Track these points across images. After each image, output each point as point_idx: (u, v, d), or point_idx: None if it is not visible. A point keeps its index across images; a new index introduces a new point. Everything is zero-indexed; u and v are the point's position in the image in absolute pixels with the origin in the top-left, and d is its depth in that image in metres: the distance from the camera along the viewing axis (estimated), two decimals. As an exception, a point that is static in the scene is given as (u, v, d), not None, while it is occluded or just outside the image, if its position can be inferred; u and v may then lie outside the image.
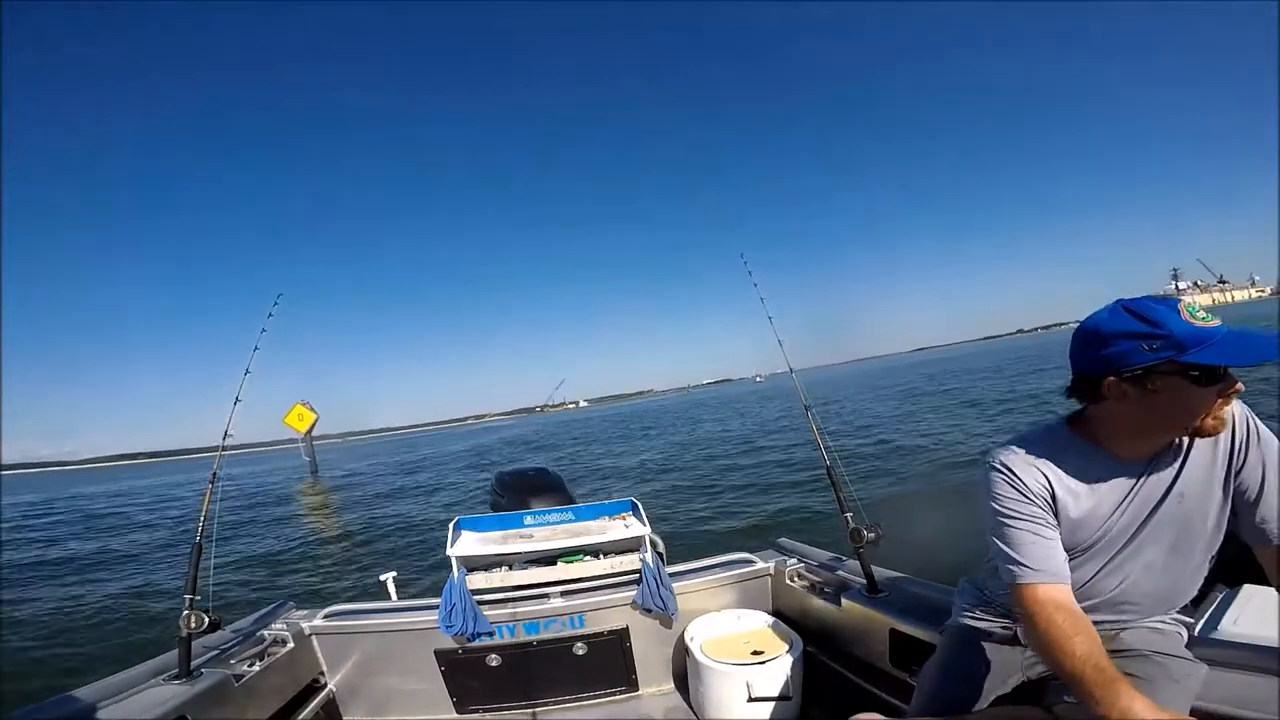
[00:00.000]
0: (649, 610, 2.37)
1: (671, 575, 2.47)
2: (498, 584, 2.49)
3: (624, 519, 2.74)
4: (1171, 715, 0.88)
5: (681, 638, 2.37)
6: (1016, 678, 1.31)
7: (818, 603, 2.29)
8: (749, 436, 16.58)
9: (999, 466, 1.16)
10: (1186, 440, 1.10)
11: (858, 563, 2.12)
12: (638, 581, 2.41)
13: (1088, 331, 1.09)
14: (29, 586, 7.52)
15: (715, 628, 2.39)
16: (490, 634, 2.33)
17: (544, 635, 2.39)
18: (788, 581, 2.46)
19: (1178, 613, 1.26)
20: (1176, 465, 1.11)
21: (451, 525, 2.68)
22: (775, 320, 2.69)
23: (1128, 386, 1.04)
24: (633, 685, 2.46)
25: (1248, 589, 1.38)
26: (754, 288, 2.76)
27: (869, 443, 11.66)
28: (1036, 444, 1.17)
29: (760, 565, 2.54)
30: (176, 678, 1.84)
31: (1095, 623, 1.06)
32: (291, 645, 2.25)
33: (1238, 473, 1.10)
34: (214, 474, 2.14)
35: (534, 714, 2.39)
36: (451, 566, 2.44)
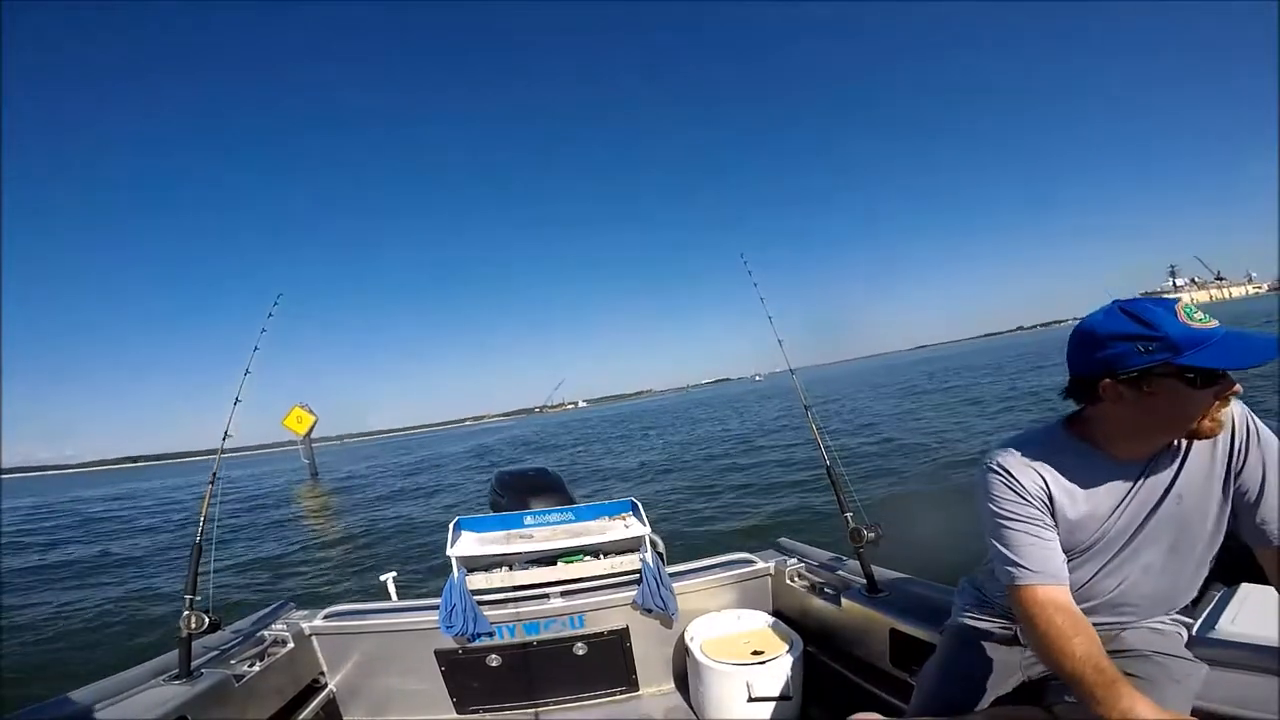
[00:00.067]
0: (649, 610, 2.37)
1: (671, 575, 2.48)
2: (498, 584, 2.49)
3: (624, 519, 2.74)
4: (1173, 715, 0.88)
5: (682, 638, 2.37)
6: (1016, 677, 1.31)
7: (818, 603, 2.29)
8: (748, 436, 16.58)
9: (996, 468, 1.16)
10: (1185, 442, 1.10)
11: (858, 563, 2.12)
12: (638, 581, 2.41)
13: (1084, 333, 1.08)
14: (29, 591, 7.50)
15: (715, 628, 2.39)
16: (490, 634, 2.33)
17: (544, 635, 2.39)
18: (788, 581, 2.46)
19: (1178, 613, 1.25)
20: (1175, 467, 1.10)
21: (451, 525, 2.68)
22: (775, 320, 2.68)
23: (1124, 389, 1.03)
24: (633, 685, 2.46)
25: (1245, 588, 1.38)
26: (754, 287, 2.76)
27: (869, 442, 11.66)
28: (1034, 445, 1.17)
29: (760, 565, 2.54)
30: (177, 678, 1.85)
31: (1094, 624, 1.06)
32: (292, 645, 2.25)
33: (1238, 474, 1.09)
34: (214, 474, 2.14)
35: (534, 714, 2.39)
36: (452, 567, 2.44)
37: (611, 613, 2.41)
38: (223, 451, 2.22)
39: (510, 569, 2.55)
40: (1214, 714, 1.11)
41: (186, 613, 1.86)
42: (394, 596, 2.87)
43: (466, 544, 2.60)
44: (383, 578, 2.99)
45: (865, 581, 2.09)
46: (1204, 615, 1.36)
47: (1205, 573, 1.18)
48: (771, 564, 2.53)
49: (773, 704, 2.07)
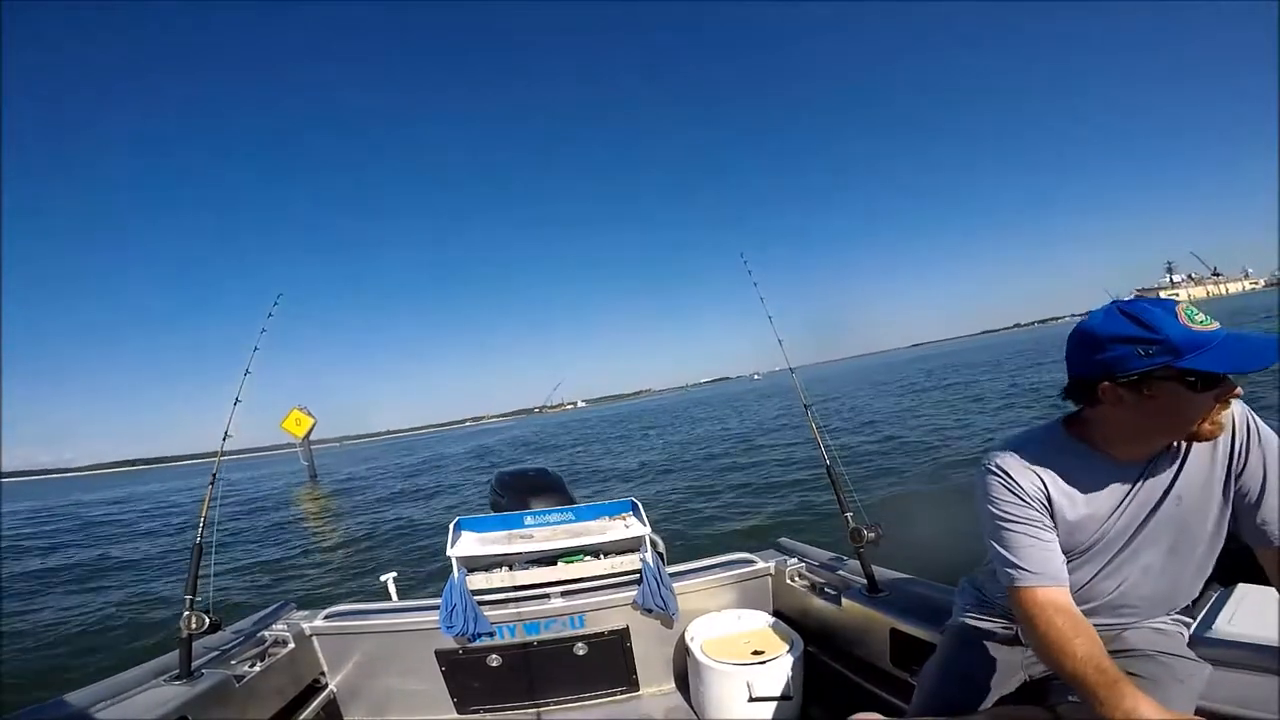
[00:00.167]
0: (649, 610, 2.37)
1: (672, 575, 2.48)
2: (498, 584, 2.49)
3: (624, 519, 2.74)
4: (1177, 715, 0.87)
5: (682, 638, 2.37)
6: (1018, 677, 1.31)
7: (818, 602, 2.29)
8: (748, 435, 16.57)
9: (994, 469, 1.15)
10: (1185, 443, 1.09)
11: (858, 562, 2.12)
12: (638, 581, 2.41)
13: (1083, 334, 1.07)
14: (29, 596, 7.49)
15: (716, 628, 2.39)
16: (491, 634, 2.33)
17: (544, 635, 2.39)
18: (788, 581, 2.46)
19: (1178, 613, 1.25)
20: (1174, 468, 1.10)
21: (452, 526, 2.68)
22: (774, 319, 2.70)
23: (1123, 391, 1.02)
24: (633, 685, 2.46)
25: (1242, 588, 1.38)
26: (754, 287, 2.77)
27: (869, 441, 11.65)
28: (1032, 446, 1.16)
29: (760, 565, 2.54)
30: (177, 678, 1.85)
31: (1095, 625, 1.06)
32: (292, 646, 2.25)
33: (1238, 475, 1.08)
34: (214, 475, 2.14)
35: (535, 714, 2.39)
36: (452, 567, 2.45)
37: (612, 613, 2.41)
38: (223, 452, 2.22)
39: (511, 569, 2.55)
40: (1216, 714, 1.11)
41: (187, 613, 1.86)
42: (395, 597, 2.87)
43: (467, 544, 2.60)
44: (383, 578, 2.99)
45: (866, 581, 2.09)
46: (1201, 615, 1.36)
47: (1206, 574, 1.18)
48: (772, 564, 2.53)
49: (773, 704, 2.07)
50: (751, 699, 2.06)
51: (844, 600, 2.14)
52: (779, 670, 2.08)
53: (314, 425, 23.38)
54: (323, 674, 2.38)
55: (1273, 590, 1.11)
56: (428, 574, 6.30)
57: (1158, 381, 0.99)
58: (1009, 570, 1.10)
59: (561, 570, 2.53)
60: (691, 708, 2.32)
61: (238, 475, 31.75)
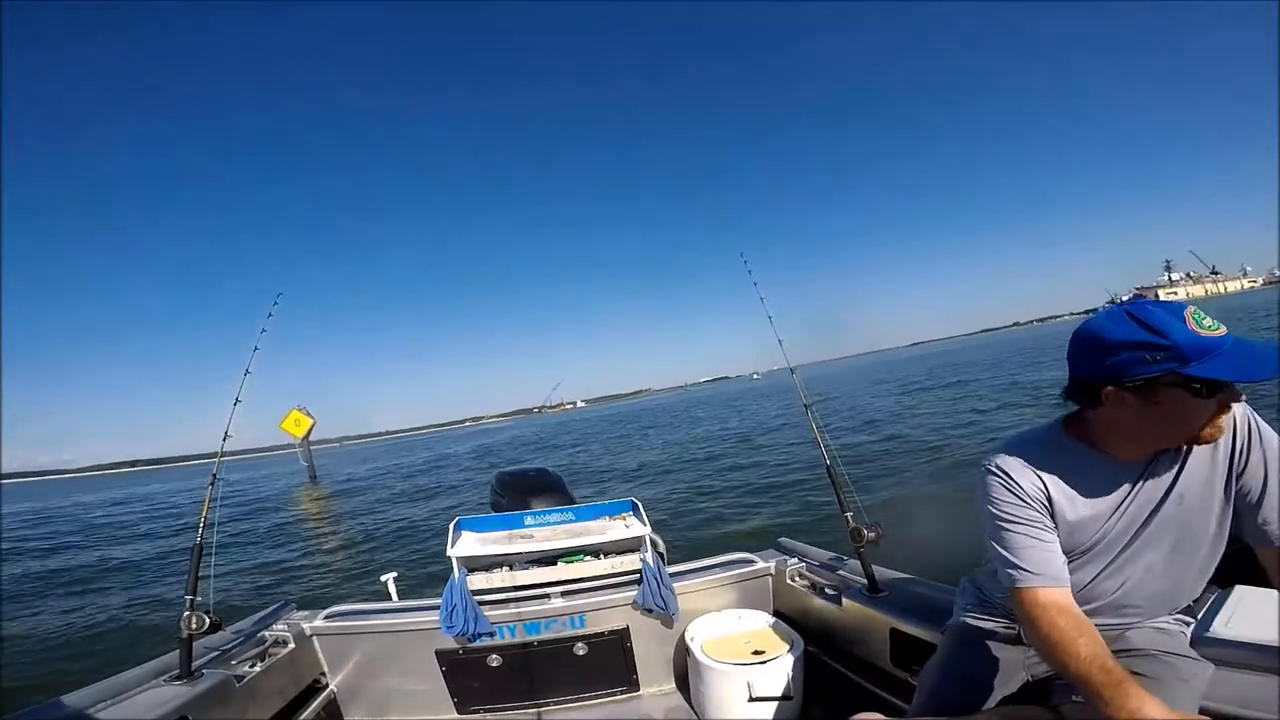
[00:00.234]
0: (650, 610, 2.37)
1: (672, 575, 2.47)
2: (498, 584, 2.49)
3: (624, 519, 2.74)
4: (1182, 715, 0.87)
5: (682, 638, 2.37)
6: (1021, 677, 1.31)
7: (818, 602, 2.28)
8: (748, 435, 16.57)
9: (994, 470, 1.15)
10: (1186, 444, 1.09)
11: (858, 562, 2.12)
12: (638, 581, 2.41)
13: (1089, 337, 1.06)
14: (29, 598, 7.48)
15: (716, 628, 2.39)
16: (491, 634, 2.33)
17: (545, 635, 2.39)
18: (788, 581, 2.46)
19: (1180, 613, 1.25)
20: (1176, 468, 1.10)
21: (452, 526, 2.68)
22: (774, 318, 2.69)
23: (1128, 396, 1.02)
24: (633, 685, 2.46)
25: (1239, 590, 1.37)
26: (754, 286, 2.76)
27: (869, 440, 11.65)
28: (1032, 446, 1.16)
29: (761, 565, 2.54)
30: (178, 678, 1.85)
31: (1097, 625, 1.06)
32: (293, 646, 2.25)
33: (1239, 475, 1.08)
34: (214, 475, 2.14)
35: (535, 714, 2.39)
36: (452, 567, 2.45)
37: (612, 613, 2.41)
38: (223, 453, 2.22)
39: (511, 569, 2.55)
40: (1217, 713, 1.11)
41: (187, 613, 1.86)
42: (395, 597, 2.87)
43: (467, 544, 2.60)
44: (384, 578, 2.99)
45: (866, 581, 2.09)
46: (1199, 617, 1.36)
47: (1209, 574, 1.18)
48: (772, 564, 2.53)
49: (774, 704, 2.07)
50: (752, 699, 2.06)
51: (844, 600, 2.14)
52: (779, 670, 2.08)
53: (313, 426, 23.36)
54: (323, 674, 2.38)
55: (1270, 592, 1.11)
56: (428, 574, 6.30)
57: (1163, 388, 0.99)
58: (1010, 571, 1.10)
59: (562, 570, 2.53)
60: (692, 708, 2.32)
61: (237, 476, 31.73)
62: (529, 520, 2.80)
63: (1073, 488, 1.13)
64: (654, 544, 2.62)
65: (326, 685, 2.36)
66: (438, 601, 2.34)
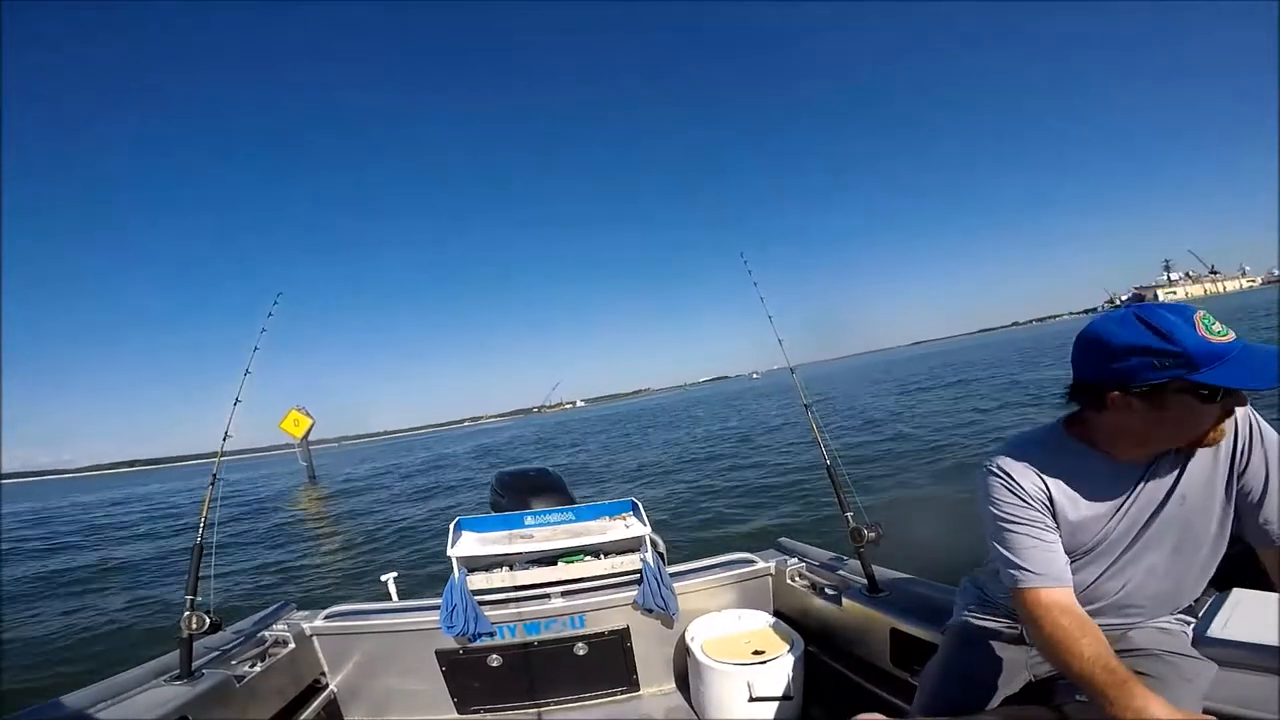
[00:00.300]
0: (650, 610, 2.37)
1: (672, 575, 2.47)
2: (499, 584, 2.49)
3: (624, 519, 2.74)
4: (1186, 715, 0.87)
5: (682, 638, 2.37)
6: (1023, 677, 1.30)
7: (819, 602, 2.28)
8: (748, 435, 16.57)
9: (996, 470, 1.15)
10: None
11: (859, 562, 2.12)
12: (638, 581, 2.41)
13: (1096, 340, 1.05)
14: (28, 599, 7.47)
15: (716, 628, 2.39)
16: (491, 634, 2.33)
17: (545, 635, 2.39)
18: (788, 581, 2.46)
19: (1181, 613, 1.25)
20: (1177, 469, 1.10)
21: (452, 526, 2.68)
22: (774, 318, 2.69)
23: (1135, 401, 1.01)
24: (634, 685, 2.46)
25: (1237, 593, 1.38)
26: (754, 286, 2.77)
27: (870, 440, 11.65)
28: (1033, 447, 1.16)
29: (761, 565, 2.54)
30: (178, 678, 1.85)
31: (1100, 625, 1.06)
32: (293, 646, 2.25)
33: (1241, 475, 1.08)
34: (214, 475, 2.14)
35: (536, 714, 2.39)
36: (452, 567, 2.45)
37: (612, 613, 2.41)
38: (223, 453, 2.22)
39: (511, 569, 2.55)
40: (1219, 713, 1.11)
41: (187, 613, 1.86)
42: (395, 597, 2.87)
43: (467, 544, 2.60)
44: (384, 578, 2.98)
45: (866, 581, 2.09)
46: (1199, 617, 1.37)
47: (1210, 574, 1.17)
48: (772, 564, 2.53)
49: (774, 704, 2.07)
50: (752, 699, 2.06)
51: (844, 600, 2.14)
52: (779, 670, 2.08)
53: (312, 425, 23.36)
54: (323, 674, 2.38)
55: (1268, 595, 1.11)
56: (428, 574, 6.30)
57: (1170, 394, 0.98)
58: (1012, 571, 1.10)
59: (562, 570, 2.53)
60: (692, 708, 2.32)
61: (236, 476, 31.72)
62: (529, 520, 2.80)
63: (1074, 488, 1.12)
64: (654, 544, 2.62)
65: (327, 685, 2.36)
66: (438, 601, 2.34)
